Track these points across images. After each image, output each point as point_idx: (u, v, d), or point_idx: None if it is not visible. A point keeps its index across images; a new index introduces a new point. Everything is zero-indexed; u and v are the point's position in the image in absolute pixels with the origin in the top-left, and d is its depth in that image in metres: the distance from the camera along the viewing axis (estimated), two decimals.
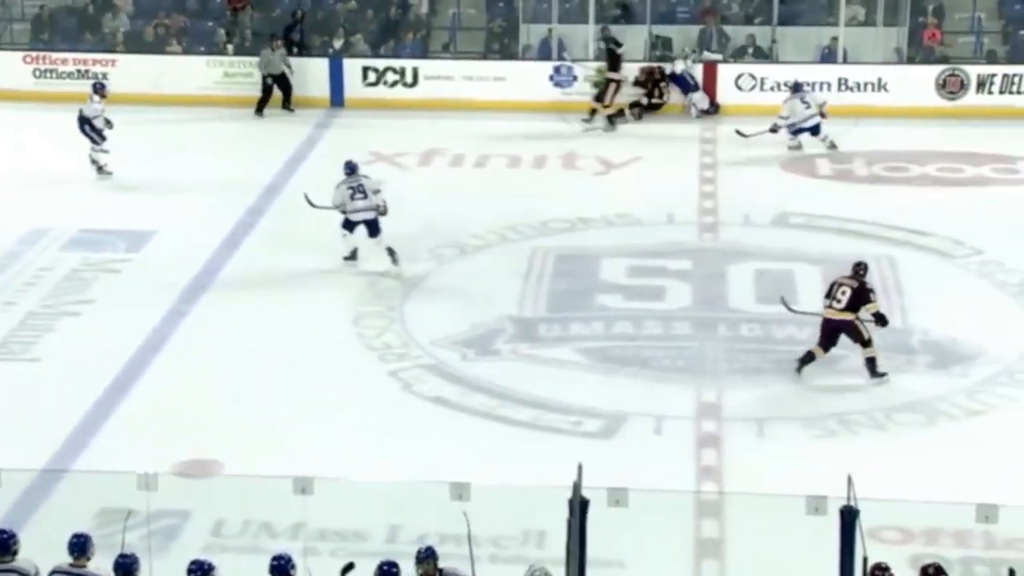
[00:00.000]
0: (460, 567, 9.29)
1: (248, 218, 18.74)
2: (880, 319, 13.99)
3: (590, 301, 16.21)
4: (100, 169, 20.27)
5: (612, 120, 22.67)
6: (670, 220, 18.68)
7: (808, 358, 14.15)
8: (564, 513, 8.53)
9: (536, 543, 10.75)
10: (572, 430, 13.27)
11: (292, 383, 14.05)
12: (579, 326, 15.58)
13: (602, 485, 8.87)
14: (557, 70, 23.41)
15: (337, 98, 23.86)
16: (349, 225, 16.92)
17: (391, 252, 16.80)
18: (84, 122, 20.26)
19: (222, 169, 20.71)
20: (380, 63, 23.88)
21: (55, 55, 24.30)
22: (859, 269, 14.12)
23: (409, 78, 23.72)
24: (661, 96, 23.17)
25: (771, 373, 14.46)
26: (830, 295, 14.00)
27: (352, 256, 17.02)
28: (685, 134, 22.34)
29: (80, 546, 9.22)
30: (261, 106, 23.41)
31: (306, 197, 17.39)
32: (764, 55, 24.06)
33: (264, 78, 23.36)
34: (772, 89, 23.03)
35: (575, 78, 23.36)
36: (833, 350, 14.22)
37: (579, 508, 8.46)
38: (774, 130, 21.03)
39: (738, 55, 24.09)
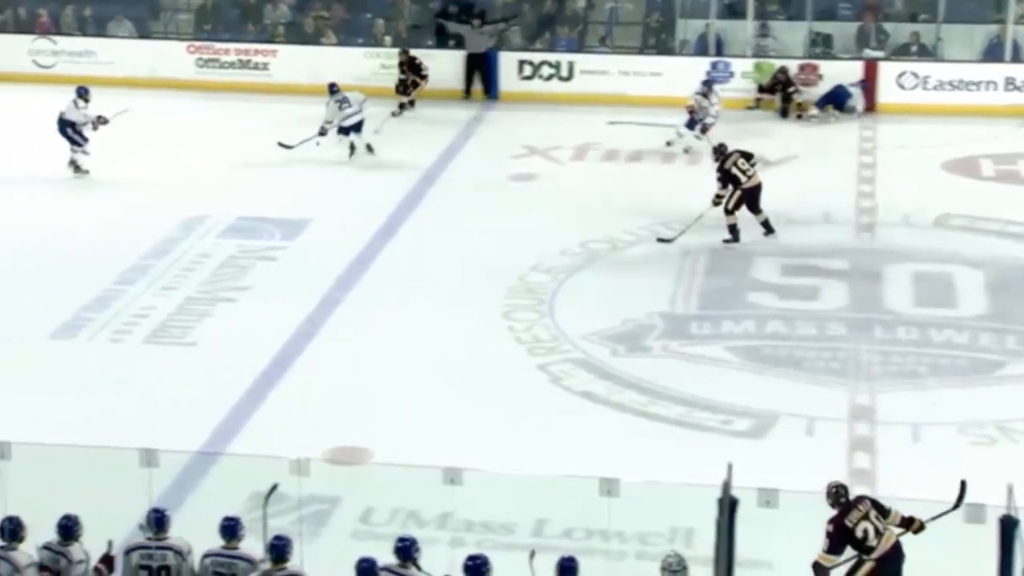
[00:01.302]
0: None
1: (402, 209, 18.87)
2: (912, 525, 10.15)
3: (742, 299, 16.02)
4: (77, 169, 20.04)
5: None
6: (826, 219, 18.39)
7: None
8: (712, 512, 8.44)
9: (684, 541, 10.64)
10: (721, 428, 13.13)
11: (442, 374, 14.11)
12: (730, 324, 15.40)
13: (752, 485, 8.76)
14: (714, 66, 23.19)
15: (492, 91, 23.94)
16: (344, 131, 20.38)
17: (369, 147, 20.63)
18: (67, 125, 19.95)
19: (377, 159, 20.88)
20: (536, 57, 23.89)
21: (218, 45, 24.74)
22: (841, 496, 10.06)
23: (565, 72, 23.70)
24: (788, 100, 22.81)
25: (928, 377, 14.14)
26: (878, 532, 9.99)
27: (353, 150, 20.47)
28: (844, 133, 21.97)
29: (231, 529, 9.37)
30: (467, 89, 23.65)
31: (280, 144, 19.69)
32: (928, 53, 23.55)
33: (467, 59, 23.56)
34: (936, 88, 22.56)
35: (731, 74, 23.11)
36: (994, 356, 13.86)
37: (728, 507, 8.36)
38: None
39: (900, 52, 23.62)
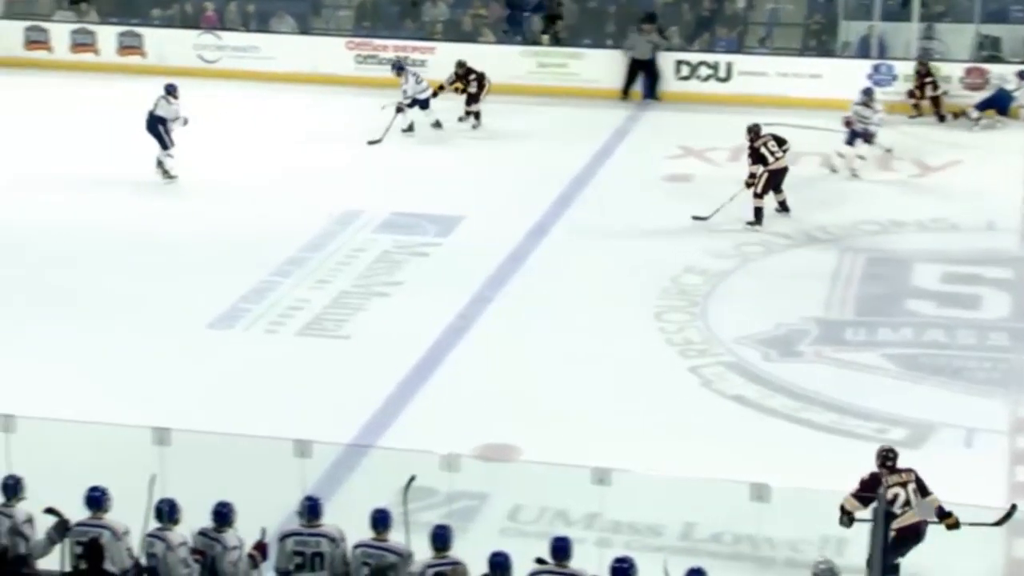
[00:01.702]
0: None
1: (556, 207, 18.86)
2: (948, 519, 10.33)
3: (900, 306, 15.71)
4: (166, 173, 19.73)
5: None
6: (990, 227, 17.95)
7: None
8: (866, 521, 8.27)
9: (835, 550, 10.43)
10: (875, 437, 12.83)
11: (591, 374, 14.06)
12: (887, 331, 15.11)
13: None
14: (876, 68, 22.79)
15: (649, 91, 23.81)
16: (422, 104, 21.55)
17: (438, 123, 21.71)
18: (157, 122, 19.69)
19: (531, 157, 20.91)
20: (694, 57, 23.73)
21: (376, 42, 24.99)
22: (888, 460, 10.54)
23: (723, 73, 23.50)
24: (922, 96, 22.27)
25: None
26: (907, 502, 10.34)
27: (412, 128, 21.50)
28: (1010, 139, 21.43)
29: (382, 520, 9.44)
30: (626, 90, 23.56)
31: (370, 142, 20.26)
32: None
33: (630, 62, 23.45)
34: None
35: (894, 77, 22.70)
36: None
37: (883, 518, 8.19)
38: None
39: None
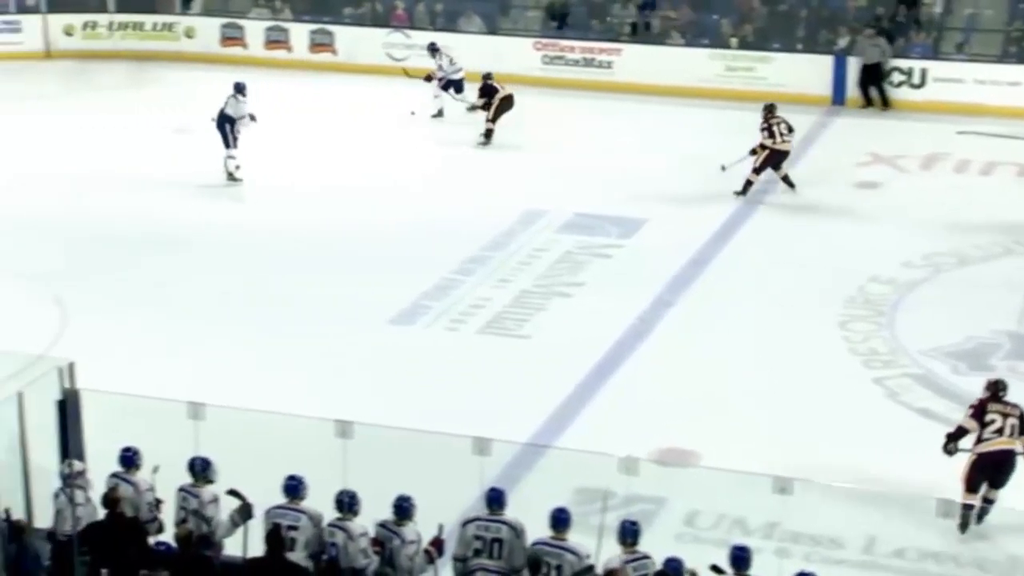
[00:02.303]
0: None
1: (741, 212, 18.64)
2: None
3: None
4: (231, 177, 19.53)
5: None
6: None
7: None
8: None
9: None
10: None
11: (773, 380, 13.86)
12: None
13: None
14: None
15: (839, 96, 23.43)
16: (456, 86, 22.31)
17: (473, 107, 21.82)
18: (225, 121, 19.47)
19: (717, 162, 20.68)
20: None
21: (563, 42, 25.00)
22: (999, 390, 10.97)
23: (916, 79, 23.00)
24: None
25: None
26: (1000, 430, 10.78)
27: (442, 113, 22.36)
28: None
29: (563, 520, 9.44)
30: (866, 97, 23.34)
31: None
32: None
33: (863, 67, 23.25)
34: None
35: None
36: None
37: None
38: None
39: None
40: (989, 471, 10.52)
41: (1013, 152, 20.53)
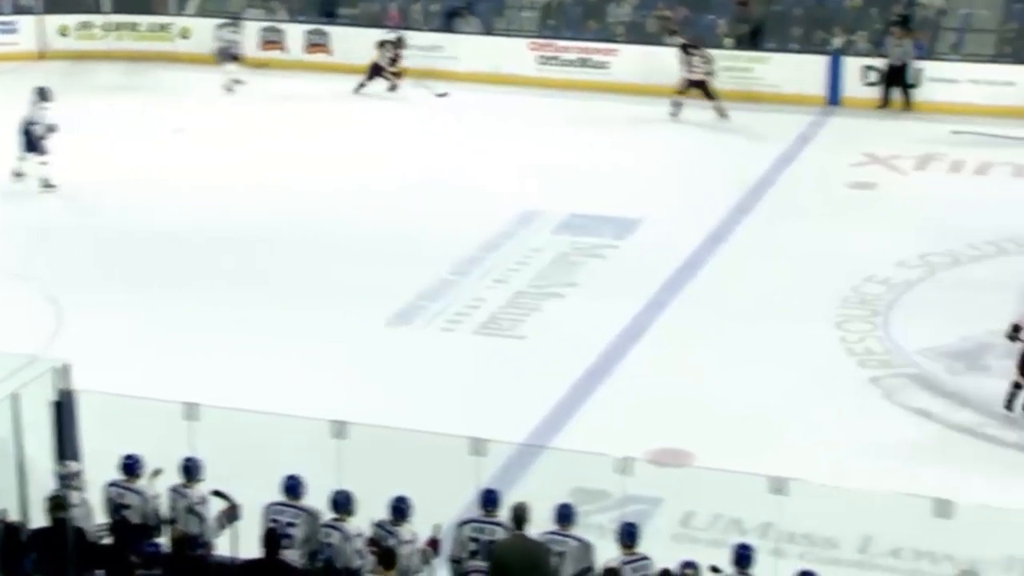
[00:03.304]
0: None
1: (736, 213, 18.65)
2: None
3: None
4: (46, 183, 18.99)
5: None
6: None
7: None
8: None
9: (1022, 572, 10.12)
10: None
11: (768, 381, 13.87)
12: None
13: None
14: None
15: (834, 96, 23.44)
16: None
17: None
18: (30, 125, 18.99)
19: (712, 162, 20.74)
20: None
21: (559, 43, 25.00)
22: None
23: (911, 79, 22.97)
24: None
25: None
26: None
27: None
28: None
29: (568, 516, 9.48)
30: (885, 97, 23.22)
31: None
32: None
33: (888, 68, 23.17)
34: None
35: None
36: None
37: None
38: None
39: None
40: None
41: (1008, 152, 20.56)
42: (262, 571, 9.23)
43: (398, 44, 24.51)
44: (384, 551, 9.14)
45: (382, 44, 24.40)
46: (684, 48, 22.90)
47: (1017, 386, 12.77)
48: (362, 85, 24.22)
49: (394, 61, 24.43)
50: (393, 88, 24.28)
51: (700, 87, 22.78)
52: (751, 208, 18.88)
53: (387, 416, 11.88)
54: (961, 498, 9.07)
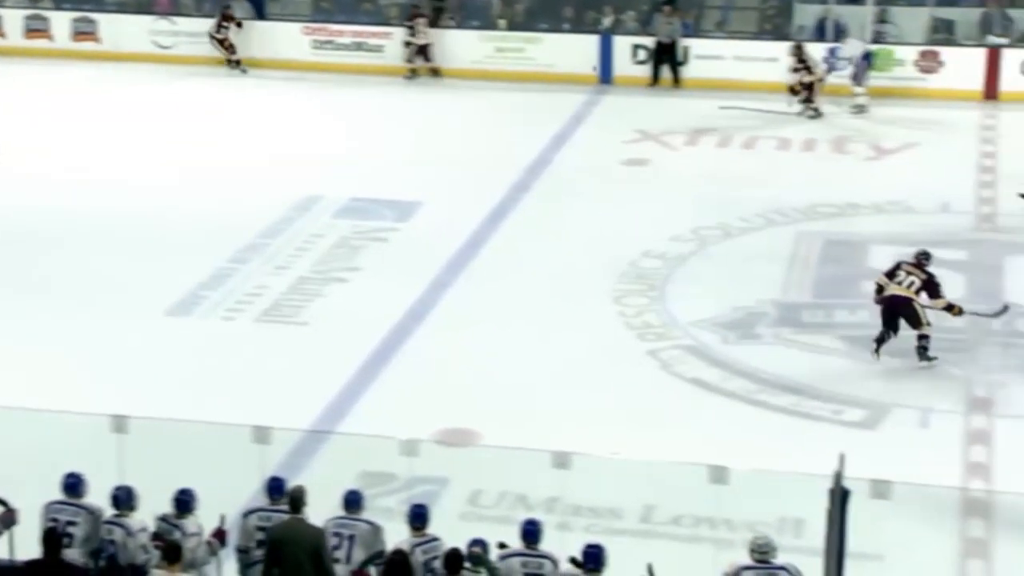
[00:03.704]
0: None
1: (514, 193, 18.86)
2: (952, 310, 14.10)
3: (857, 288, 15.76)
4: None
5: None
6: (945, 209, 18.07)
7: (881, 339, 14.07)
8: (823, 502, 8.32)
9: (793, 531, 10.53)
10: (833, 418, 12.97)
11: (550, 358, 14.09)
12: (844, 313, 15.21)
13: (864, 476, 8.62)
14: (832, 51, 22.87)
15: (606, 75, 23.83)
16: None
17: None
18: None
19: (489, 143, 20.89)
20: (649, 40, 23.70)
21: (333, 27, 24.87)
22: (923, 259, 14.14)
23: (679, 57, 23.49)
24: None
25: None
26: (893, 277, 14.04)
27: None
28: (963, 121, 21.57)
29: (356, 502, 9.51)
30: (655, 75, 23.51)
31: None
32: None
33: (656, 45, 23.46)
34: None
35: (849, 59, 22.78)
36: None
37: (839, 498, 8.23)
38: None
39: (1023, 39, 23.15)
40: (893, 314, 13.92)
41: (773, 126, 21.21)
42: (42, 572, 9.02)
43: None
44: (168, 545, 9.04)
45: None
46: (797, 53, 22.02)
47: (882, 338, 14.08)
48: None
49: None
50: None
51: (809, 88, 21.99)
52: (529, 187, 19.11)
53: (169, 408, 11.77)
54: (736, 464, 9.36)
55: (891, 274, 14.05)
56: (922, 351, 13.88)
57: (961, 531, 11.05)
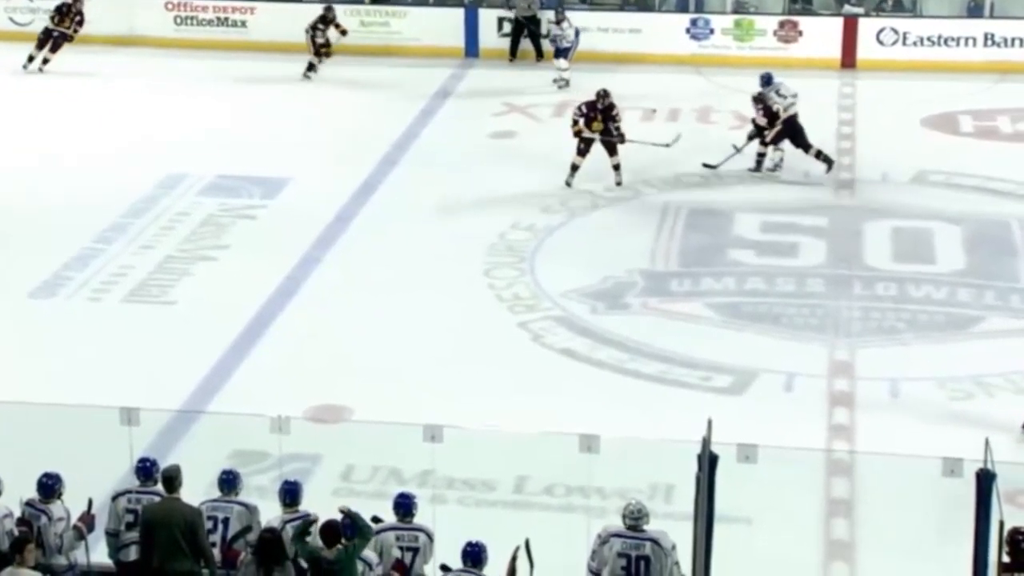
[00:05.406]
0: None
1: (382, 166, 18.82)
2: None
3: (722, 256, 16.04)
4: None
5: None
6: (806, 176, 18.40)
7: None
8: (692, 468, 8.47)
9: (663, 497, 10.70)
10: (701, 385, 13.18)
11: (422, 332, 14.13)
12: (710, 281, 15.44)
13: (731, 441, 8.79)
14: (694, 23, 23.12)
15: (472, 48, 23.82)
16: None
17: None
18: None
19: (356, 118, 20.81)
20: (511, 13, 23.71)
21: (196, 2, 24.54)
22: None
23: (544, 29, 23.57)
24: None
25: (906, 332, 14.22)
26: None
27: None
28: (822, 90, 21.92)
29: (230, 482, 9.49)
30: (513, 50, 23.47)
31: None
32: (907, 9, 23.55)
33: (515, 20, 23.42)
34: (915, 44, 22.57)
35: (712, 31, 23.06)
36: (972, 312, 14.12)
37: (708, 463, 8.39)
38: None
39: (880, 9, 23.60)
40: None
41: (637, 98, 21.37)
42: None
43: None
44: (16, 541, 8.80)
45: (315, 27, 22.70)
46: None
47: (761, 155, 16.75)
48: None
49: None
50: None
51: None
52: (397, 161, 19.08)
53: (34, 391, 11.60)
54: (607, 432, 9.48)
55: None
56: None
57: (825, 491, 11.32)
